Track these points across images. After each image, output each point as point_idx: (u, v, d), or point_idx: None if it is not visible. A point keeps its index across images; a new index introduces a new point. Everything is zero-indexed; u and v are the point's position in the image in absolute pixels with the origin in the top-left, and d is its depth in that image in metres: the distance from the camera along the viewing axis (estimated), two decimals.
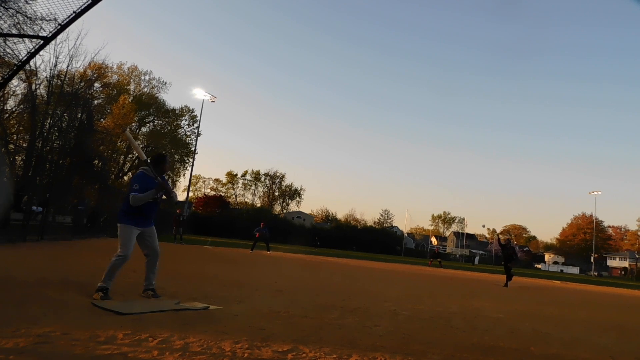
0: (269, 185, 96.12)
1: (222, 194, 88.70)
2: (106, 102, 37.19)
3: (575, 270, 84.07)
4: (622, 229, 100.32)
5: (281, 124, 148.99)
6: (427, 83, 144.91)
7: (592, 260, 72.73)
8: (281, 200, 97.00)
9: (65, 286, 5.28)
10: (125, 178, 43.98)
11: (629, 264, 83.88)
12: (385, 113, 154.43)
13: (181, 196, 53.42)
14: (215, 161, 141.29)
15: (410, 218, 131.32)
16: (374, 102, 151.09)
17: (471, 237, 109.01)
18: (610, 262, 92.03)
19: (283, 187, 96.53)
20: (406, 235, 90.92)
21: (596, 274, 67.79)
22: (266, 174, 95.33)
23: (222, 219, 62.21)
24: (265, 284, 8.25)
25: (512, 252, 16.46)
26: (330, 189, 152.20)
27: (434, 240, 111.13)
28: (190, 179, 43.63)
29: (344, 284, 10.63)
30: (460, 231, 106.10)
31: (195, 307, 4.88)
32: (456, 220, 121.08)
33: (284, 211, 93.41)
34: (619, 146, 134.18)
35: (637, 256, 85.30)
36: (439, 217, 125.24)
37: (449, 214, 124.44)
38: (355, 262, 25.18)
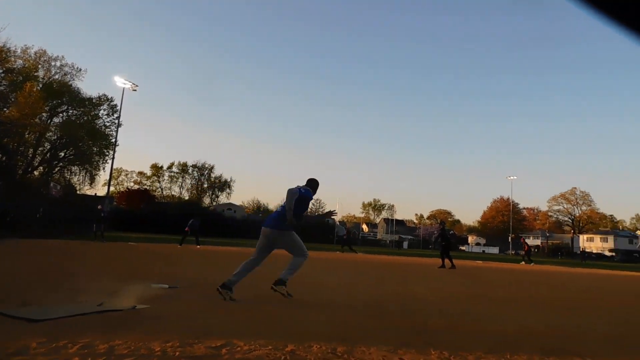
0: (197, 177, 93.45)
1: (147, 188, 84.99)
2: (10, 90, 34.06)
3: (495, 250, 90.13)
4: (535, 210, 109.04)
5: (210, 114, 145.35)
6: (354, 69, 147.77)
7: (509, 240, 78.28)
8: (210, 192, 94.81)
9: None
10: (36, 173, 40.71)
11: (541, 242, 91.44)
12: (314, 103, 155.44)
13: (101, 191, 50.54)
14: (139, 153, 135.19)
15: (341, 206, 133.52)
16: (302, 92, 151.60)
17: (400, 223, 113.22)
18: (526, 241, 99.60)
19: (212, 179, 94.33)
20: (338, 223, 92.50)
21: (513, 252, 73.07)
22: (194, 166, 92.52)
23: (148, 214, 59.25)
24: (197, 279, 7.99)
25: (449, 238, 17.71)
26: (261, 180, 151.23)
27: (365, 227, 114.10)
28: (111, 173, 41.19)
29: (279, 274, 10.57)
30: (390, 218, 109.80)
31: (121, 307, 4.59)
32: (386, 207, 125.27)
33: (214, 203, 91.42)
34: (532, 134, 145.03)
35: (547, 235, 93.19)
36: (370, 204, 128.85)
37: (378, 201, 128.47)
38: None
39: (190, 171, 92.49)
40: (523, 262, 27.51)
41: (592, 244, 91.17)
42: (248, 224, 72.31)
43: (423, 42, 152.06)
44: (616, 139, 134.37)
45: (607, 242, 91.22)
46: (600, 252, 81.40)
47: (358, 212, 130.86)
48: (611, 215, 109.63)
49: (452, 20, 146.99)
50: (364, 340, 3.74)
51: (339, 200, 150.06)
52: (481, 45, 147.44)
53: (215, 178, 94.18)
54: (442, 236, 17.91)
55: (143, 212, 60.02)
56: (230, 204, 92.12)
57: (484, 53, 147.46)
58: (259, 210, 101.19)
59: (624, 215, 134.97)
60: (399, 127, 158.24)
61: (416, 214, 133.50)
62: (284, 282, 5.80)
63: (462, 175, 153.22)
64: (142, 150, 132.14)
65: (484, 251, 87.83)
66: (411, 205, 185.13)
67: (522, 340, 4.18)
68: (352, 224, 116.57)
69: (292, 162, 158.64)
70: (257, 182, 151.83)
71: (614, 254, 77.99)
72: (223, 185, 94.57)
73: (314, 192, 6.02)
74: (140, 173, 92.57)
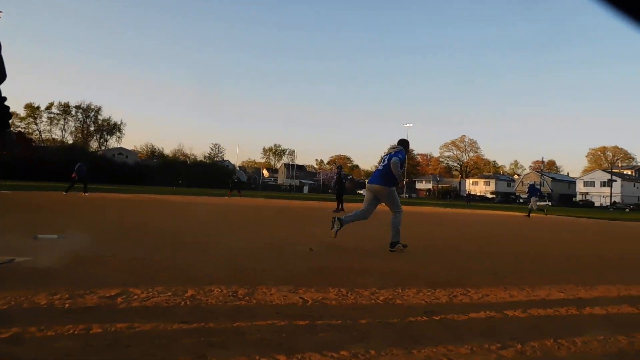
0: (82, 119, 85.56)
1: (22, 130, 76.12)
2: None
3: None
4: (428, 156, 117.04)
5: (96, 50, 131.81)
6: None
7: (404, 184, 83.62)
8: (98, 136, 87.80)
9: None
10: None
11: (432, 186, 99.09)
12: (210, 45, 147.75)
13: None
14: (11, 92, 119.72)
15: (241, 151, 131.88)
16: (193, 34, 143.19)
17: (301, 168, 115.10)
18: (419, 185, 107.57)
19: (100, 122, 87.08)
20: (238, 168, 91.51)
21: (407, 195, 78.45)
22: (78, 107, 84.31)
23: (24, 160, 52.51)
24: (85, 228, 7.49)
25: (343, 182, 18.13)
26: (155, 123, 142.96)
27: (265, 172, 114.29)
28: None
29: (175, 221, 10.29)
30: (290, 163, 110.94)
31: None
32: (287, 153, 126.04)
33: (103, 148, 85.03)
34: (427, 83, 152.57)
35: (438, 179, 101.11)
36: (270, 149, 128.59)
37: (279, 146, 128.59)
38: (185, 198, 24.54)
39: (73, 113, 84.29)
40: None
41: (477, 187, 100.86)
42: (142, 169, 68.73)
43: None
44: (501, 92, 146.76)
45: (489, 185, 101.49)
46: (483, 194, 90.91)
47: (258, 157, 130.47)
48: (494, 161, 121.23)
49: None
50: (264, 282, 3.81)
51: (239, 145, 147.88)
52: None
53: (104, 121, 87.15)
54: (338, 180, 18.49)
55: (19, 158, 53.16)
56: (121, 148, 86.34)
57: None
58: (154, 155, 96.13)
59: (505, 161, 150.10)
60: (300, 72, 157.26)
61: (316, 159, 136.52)
62: (397, 242, 6.41)
63: (361, 121, 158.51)
64: (12, 87, 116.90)
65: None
66: (312, 151, 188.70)
67: (412, 276, 4.57)
68: (252, 169, 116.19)
69: (189, 105, 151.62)
70: (151, 126, 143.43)
71: (494, 196, 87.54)
72: (112, 128, 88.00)
73: (407, 151, 6.80)
74: (12, 114, 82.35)
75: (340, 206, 17.51)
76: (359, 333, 2.61)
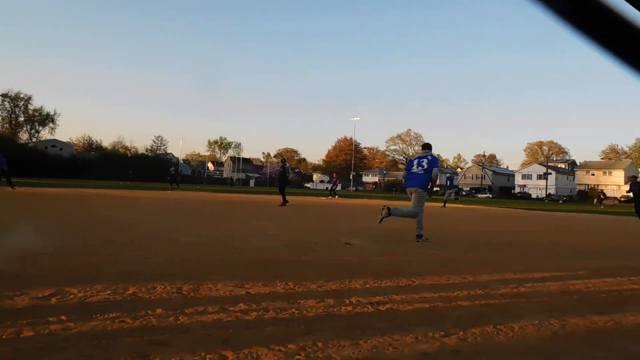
0: (9, 108, 79.98)
1: None
2: None
3: (337, 187, 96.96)
4: (375, 150, 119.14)
5: (27, 37, 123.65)
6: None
7: (351, 177, 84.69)
8: (29, 127, 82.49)
9: None
10: None
11: (379, 179, 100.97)
12: (153, 34, 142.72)
13: None
14: None
15: (185, 144, 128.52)
16: (135, 24, 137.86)
17: (247, 161, 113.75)
18: (365, 178, 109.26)
19: (30, 112, 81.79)
20: (182, 162, 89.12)
21: (354, 189, 79.45)
22: (5, 95, 78.67)
23: None
24: (15, 226, 7.01)
25: (287, 175, 17.95)
26: (93, 115, 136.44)
27: (210, 166, 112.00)
28: None
29: (116, 217, 9.87)
30: (236, 156, 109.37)
31: None
32: (232, 146, 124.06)
33: (34, 140, 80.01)
34: (375, 77, 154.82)
35: (384, 172, 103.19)
36: (216, 142, 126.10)
37: (225, 139, 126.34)
38: (126, 192, 23.61)
39: (0, 101, 78.59)
40: (329, 197, 29.33)
41: None
42: (77, 162, 65.43)
43: None
44: (445, 88, 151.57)
45: None
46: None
47: (203, 150, 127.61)
48: (438, 155, 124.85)
49: None
50: (210, 278, 3.73)
51: (183, 137, 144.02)
52: None
53: (35, 111, 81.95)
54: (281, 174, 18.34)
55: None
56: (55, 140, 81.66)
57: None
58: (91, 147, 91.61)
59: (449, 155, 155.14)
60: (246, 64, 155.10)
61: (263, 153, 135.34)
62: (421, 235, 7.10)
63: (309, 115, 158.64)
64: None
65: (327, 188, 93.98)
66: (258, 144, 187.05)
67: (359, 267, 4.62)
68: (197, 162, 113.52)
69: (130, 96, 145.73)
70: (88, 118, 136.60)
71: (437, 188, 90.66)
72: (45, 119, 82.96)
73: (430, 151, 7.50)
74: None
75: (285, 201, 17.27)
76: (307, 326, 2.61)
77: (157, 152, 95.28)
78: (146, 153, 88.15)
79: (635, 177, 16.48)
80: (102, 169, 62.10)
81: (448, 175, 31.38)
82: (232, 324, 2.59)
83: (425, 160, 7.26)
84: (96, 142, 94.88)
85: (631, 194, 16.37)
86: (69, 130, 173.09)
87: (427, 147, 7.59)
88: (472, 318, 2.92)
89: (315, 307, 3.03)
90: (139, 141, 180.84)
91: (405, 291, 3.60)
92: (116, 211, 11.47)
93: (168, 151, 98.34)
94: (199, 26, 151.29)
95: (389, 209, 7.01)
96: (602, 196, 40.31)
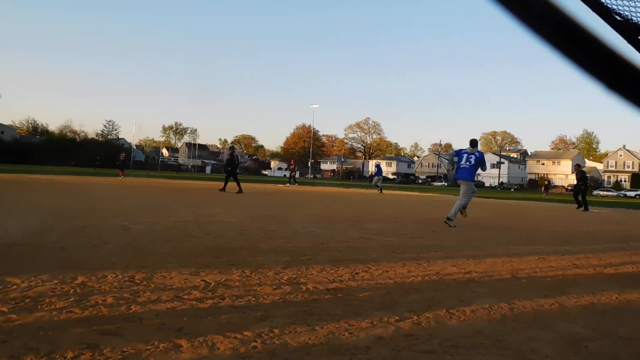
0: None
1: None
2: None
3: (296, 174, 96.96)
4: (333, 137, 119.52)
5: None
6: None
7: (309, 165, 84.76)
8: None
9: None
10: None
11: (337, 167, 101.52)
12: (109, 9, 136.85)
13: None
14: None
15: (138, 129, 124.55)
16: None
17: (203, 147, 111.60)
18: (323, 166, 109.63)
19: None
20: (134, 147, 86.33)
21: (312, 176, 79.62)
22: None
23: None
24: None
25: (236, 162, 17.61)
26: (39, 97, 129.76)
27: (165, 152, 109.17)
28: None
29: (63, 203, 9.45)
30: (192, 142, 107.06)
31: None
32: (188, 131, 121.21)
33: None
34: (333, 64, 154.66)
35: (342, 160, 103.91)
36: (170, 128, 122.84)
37: (180, 124, 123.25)
38: (75, 178, 22.66)
39: None
40: (288, 184, 29.52)
41: None
42: (21, 147, 62.15)
43: None
44: (395, 73, 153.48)
45: (391, 166, 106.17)
46: (385, 175, 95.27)
47: (157, 136, 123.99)
48: (396, 143, 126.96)
49: None
50: (164, 266, 3.64)
51: (136, 122, 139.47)
52: None
53: None
54: (229, 160, 18.06)
55: None
56: None
57: None
58: (36, 131, 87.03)
59: (406, 144, 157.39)
60: (204, 49, 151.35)
61: (220, 139, 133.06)
62: (451, 220, 8.00)
63: (267, 101, 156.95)
64: None
65: (285, 175, 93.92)
66: (215, 130, 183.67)
67: (316, 254, 4.64)
68: (151, 148, 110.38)
69: (78, 79, 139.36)
70: (33, 100, 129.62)
71: (395, 176, 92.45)
72: None
73: (477, 147, 8.48)
74: None
75: (225, 187, 16.49)
76: (263, 313, 2.60)
77: (109, 137, 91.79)
78: (97, 138, 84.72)
79: (580, 166, 17.64)
80: (49, 154, 59.24)
81: (377, 163, 32.79)
82: (186, 312, 2.54)
83: (473, 157, 8.27)
84: (42, 125, 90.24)
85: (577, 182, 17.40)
86: (10, 113, 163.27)
87: (474, 144, 8.45)
88: (425, 303, 3.00)
89: (272, 294, 3.01)
90: (89, 126, 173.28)
91: (361, 277, 3.64)
92: (63, 198, 10.99)
93: (120, 136, 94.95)
94: (148, 5, 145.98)
95: (450, 219, 8.01)
96: (547, 183, 42.48)
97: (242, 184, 16.44)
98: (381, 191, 24.89)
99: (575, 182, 17.94)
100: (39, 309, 2.44)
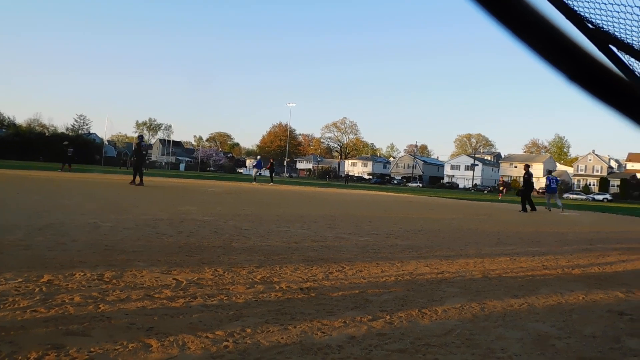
0: None
1: None
2: None
3: (261, 172, 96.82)
4: (310, 137, 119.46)
5: None
6: None
7: (285, 163, 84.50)
8: None
9: None
10: None
11: (313, 166, 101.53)
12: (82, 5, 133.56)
13: None
14: None
15: (111, 124, 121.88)
16: None
17: (178, 144, 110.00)
18: (299, 165, 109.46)
19: None
20: (106, 143, 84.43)
21: (288, 175, 79.36)
22: None
23: None
24: None
25: (144, 153, 16.98)
26: (5, 88, 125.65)
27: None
28: None
29: (29, 200, 9.15)
30: (166, 138, 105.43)
31: None
32: (162, 128, 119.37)
33: None
34: (311, 64, 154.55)
35: (318, 159, 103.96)
36: (144, 123, 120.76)
37: (154, 120, 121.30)
38: (42, 174, 22.01)
39: None
40: (272, 183, 29.51)
41: (355, 168, 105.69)
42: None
43: None
44: (372, 75, 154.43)
45: (367, 167, 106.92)
46: (361, 175, 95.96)
47: (131, 132, 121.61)
48: (372, 144, 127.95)
49: None
50: (134, 264, 3.57)
51: (108, 117, 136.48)
52: None
53: None
54: (136, 151, 17.66)
55: None
56: None
57: None
58: (2, 124, 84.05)
59: (382, 144, 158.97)
60: (180, 45, 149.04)
61: (195, 136, 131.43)
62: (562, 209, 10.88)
63: (243, 99, 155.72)
64: None
65: (260, 174, 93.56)
66: (190, 127, 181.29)
67: (290, 253, 4.62)
68: (123, 144, 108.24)
69: (49, 71, 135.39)
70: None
71: (371, 177, 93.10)
72: None
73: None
74: None
75: (135, 179, 16.09)
76: (235, 312, 2.57)
77: (80, 131, 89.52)
78: (67, 132, 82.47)
79: (528, 166, 16.76)
80: (15, 149, 57.39)
81: (258, 158, 34.46)
82: (157, 311, 2.49)
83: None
84: (8, 118, 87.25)
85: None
86: None
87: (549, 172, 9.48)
88: (398, 302, 3.02)
89: (245, 293, 2.99)
90: (59, 120, 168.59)
91: (335, 277, 3.65)
92: (29, 194, 10.65)
93: (92, 131, 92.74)
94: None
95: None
96: (502, 187, 42.77)
97: (218, 182, 16.30)
98: (256, 181, 27.17)
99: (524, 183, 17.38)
100: (1, 309, 2.35)
